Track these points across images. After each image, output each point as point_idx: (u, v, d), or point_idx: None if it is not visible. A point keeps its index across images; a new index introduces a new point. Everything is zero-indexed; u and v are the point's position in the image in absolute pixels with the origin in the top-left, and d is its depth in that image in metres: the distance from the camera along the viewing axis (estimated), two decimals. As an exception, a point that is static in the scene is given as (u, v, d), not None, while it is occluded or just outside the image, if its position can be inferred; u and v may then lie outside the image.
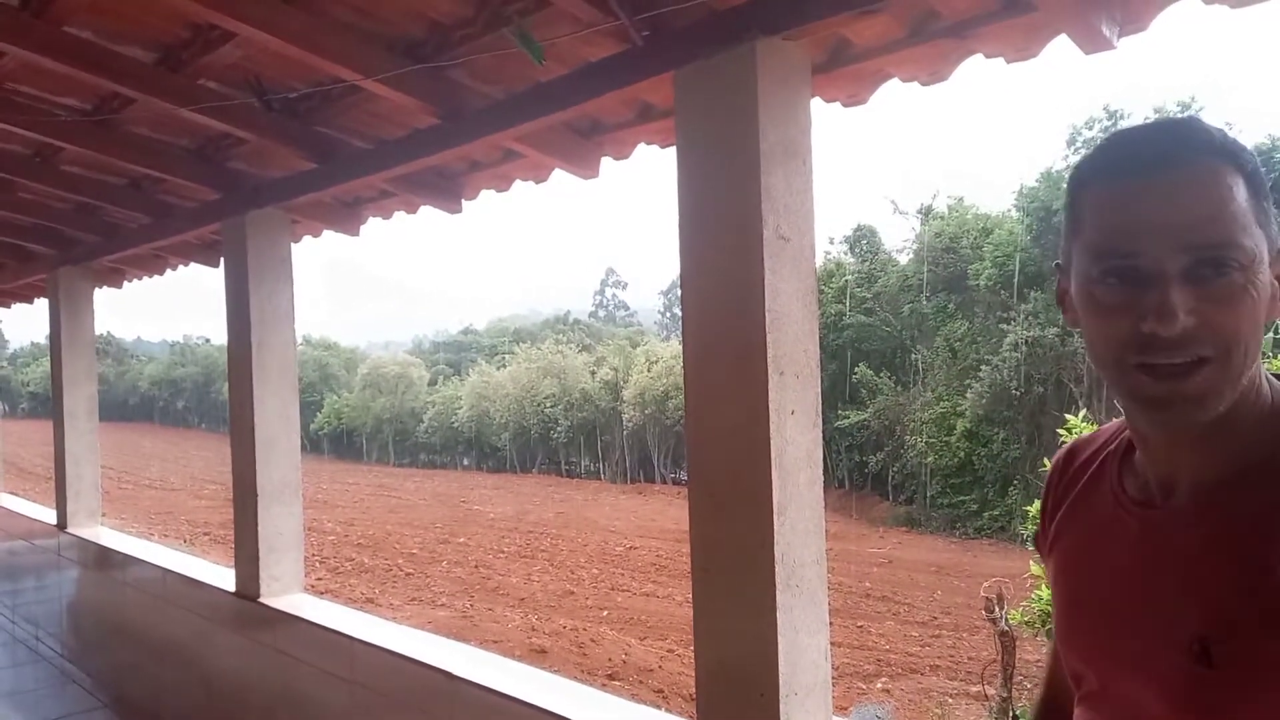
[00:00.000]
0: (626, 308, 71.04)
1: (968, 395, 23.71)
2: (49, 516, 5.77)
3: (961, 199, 28.48)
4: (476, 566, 15.98)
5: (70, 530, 5.42)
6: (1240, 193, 0.81)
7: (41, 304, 6.77)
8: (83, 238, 5.10)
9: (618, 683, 8.89)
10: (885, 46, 2.12)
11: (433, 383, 43.19)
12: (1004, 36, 1.99)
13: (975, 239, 25.70)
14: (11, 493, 7.25)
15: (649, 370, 32.93)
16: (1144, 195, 0.82)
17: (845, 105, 2.38)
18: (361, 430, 42.15)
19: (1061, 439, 4.88)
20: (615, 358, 36.13)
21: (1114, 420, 1.03)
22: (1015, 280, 23.76)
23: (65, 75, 2.91)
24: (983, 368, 23.51)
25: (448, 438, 39.19)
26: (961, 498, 23.44)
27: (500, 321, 58.55)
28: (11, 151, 3.96)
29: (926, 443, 24.59)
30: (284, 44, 2.41)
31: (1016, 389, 22.55)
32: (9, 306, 7.45)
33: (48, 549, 5.78)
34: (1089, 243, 0.85)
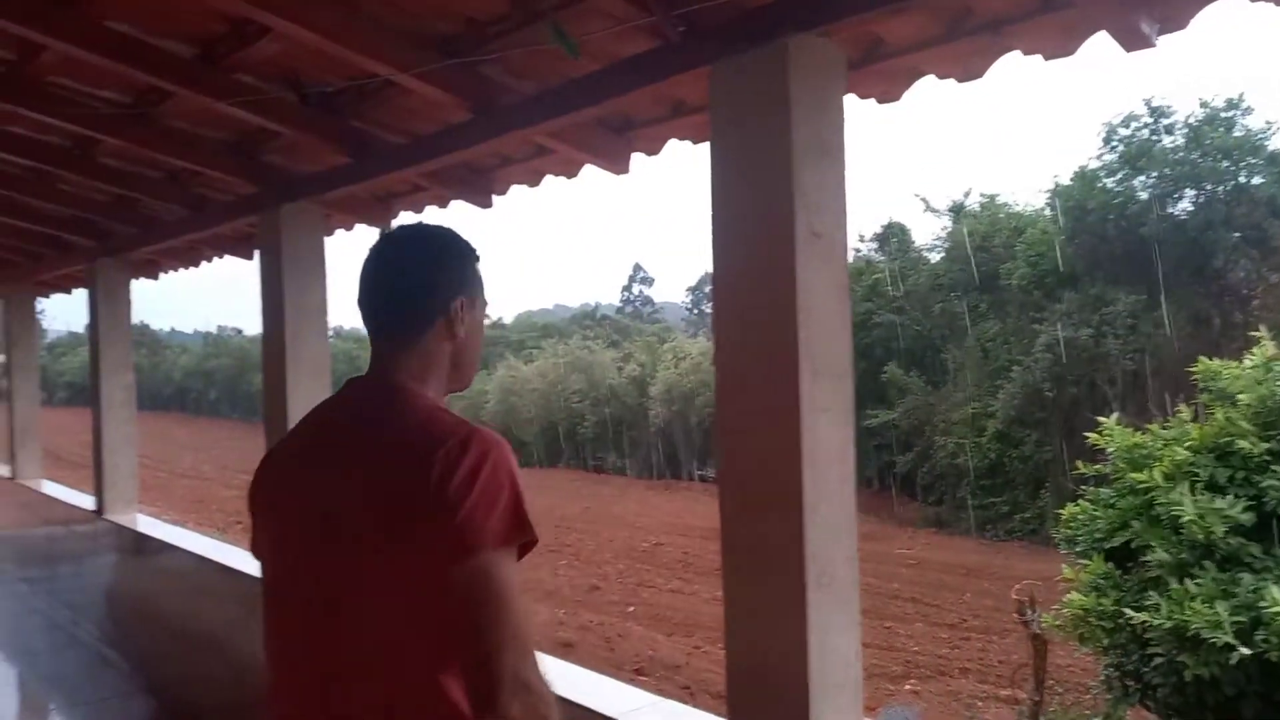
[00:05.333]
0: (653, 304, 70.96)
1: (999, 396, 23.41)
2: (87, 503, 5.88)
3: (994, 197, 28.13)
4: (503, 560, 16.05)
5: (108, 516, 5.52)
6: None
7: (79, 294, 6.91)
8: (120, 229, 5.19)
9: (644, 678, 8.90)
10: (920, 44, 2.10)
11: (461, 376, 43.44)
12: (1042, 34, 1.96)
13: (1008, 237, 25.36)
14: (50, 479, 7.40)
15: (676, 367, 32.85)
16: None
17: (879, 102, 2.36)
18: (390, 423, 42.49)
19: (1094, 442, 4.81)
20: (643, 354, 36.10)
21: (432, 403, 1.36)
22: (1048, 280, 23.43)
23: (105, 68, 2.96)
24: (1014, 368, 23.20)
25: (476, 430, 39.46)
26: (992, 499, 23.17)
27: (528, 316, 58.75)
28: (51, 144, 4.04)
29: (957, 443, 24.32)
30: (320, 39, 2.44)
31: (1049, 390, 22.24)
32: (48, 296, 7.61)
33: (86, 535, 5.89)
34: (484, 296, 1.47)
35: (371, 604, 1.25)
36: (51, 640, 5.98)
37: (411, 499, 1.22)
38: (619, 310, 65.31)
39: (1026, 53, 2.01)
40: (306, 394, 3.76)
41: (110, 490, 5.52)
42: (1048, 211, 24.97)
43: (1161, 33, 1.83)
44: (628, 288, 72.40)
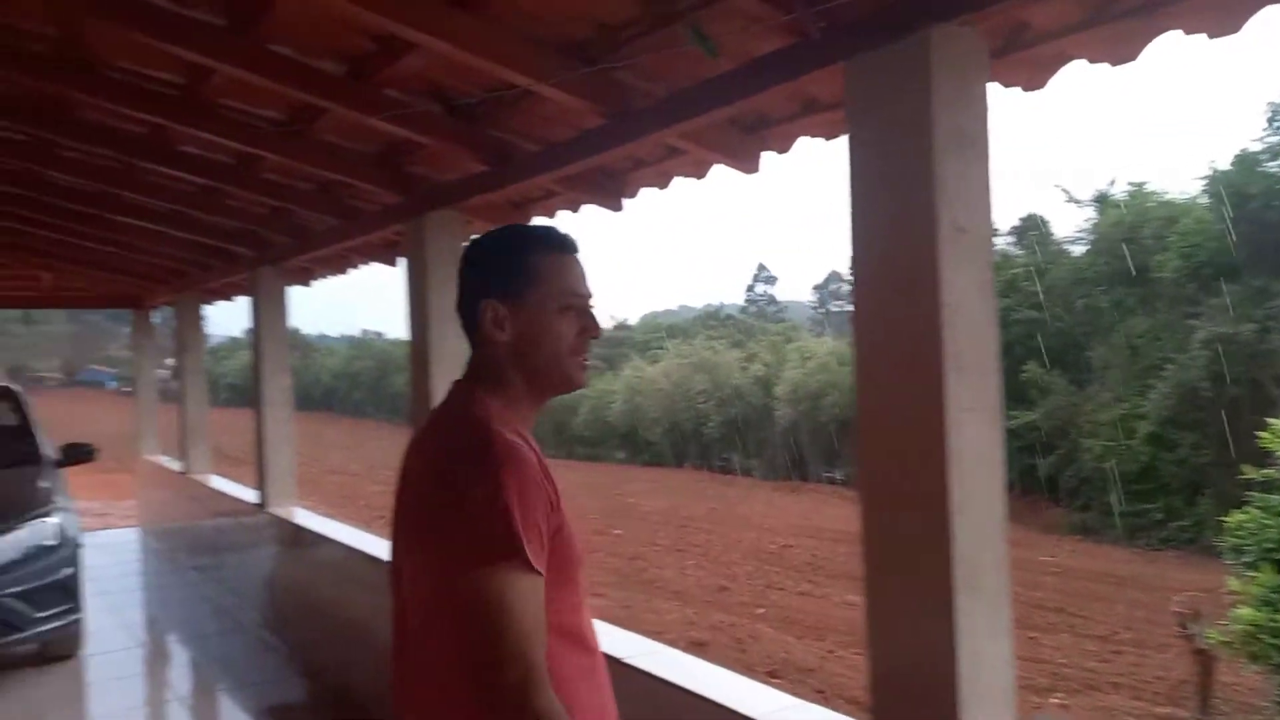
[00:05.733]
0: (777, 303, 70.16)
1: (1150, 396, 22.00)
2: (251, 496, 6.27)
3: (1142, 185, 26.45)
4: (632, 558, 16.22)
5: (269, 509, 5.88)
6: None
7: (240, 301, 7.41)
8: (278, 239, 5.53)
9: (778, 680, 8.82)
10: (1068, 28, 2.00)
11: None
12: (1204, 11, 1.84)
13: (1158, 228, 23.80)
14: (217, 474, 7.94)
15: (802, 366, 32.40)
16: (579, 264, 1.46)
17: (1024, 91, 2.27)
18: (521, 423, 43.57)
19: (1262, 443, 4.47)
20: (768, 354, 35.78)
21: (474, 411, 1.35)
22: (1204, 272, 21.86)
23: (266, 89, 3.16)
24: (1168, 366, 21.77)
25: (602, 431, 39.94)
26: (1144, 505, 21.80)
27: (653, 317, 59.18)
28: (220, 161, 4.35)
29: (1104, 446, 22.99)
30: (462, 52, 2.53)
31: (1207, 389, 20.75)
32: (213, 303, 8.18)
33: (249, 526, 6.30)
34: (553, 289, 1.41)
35: (414, 604, 1.33)
36: (219, 625, 6.44)
37: (424, 509, 1.30)
38: (743, 310, 64.86)
39: (1188, 32, 1.89)
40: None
41: (271, 485, 5.88)
42: (1203, 199, 23.28)
43: (1346, 2, 1.69)
44: (751, 287, 71.83)
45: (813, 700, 2.80)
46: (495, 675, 1.18)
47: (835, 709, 2.60)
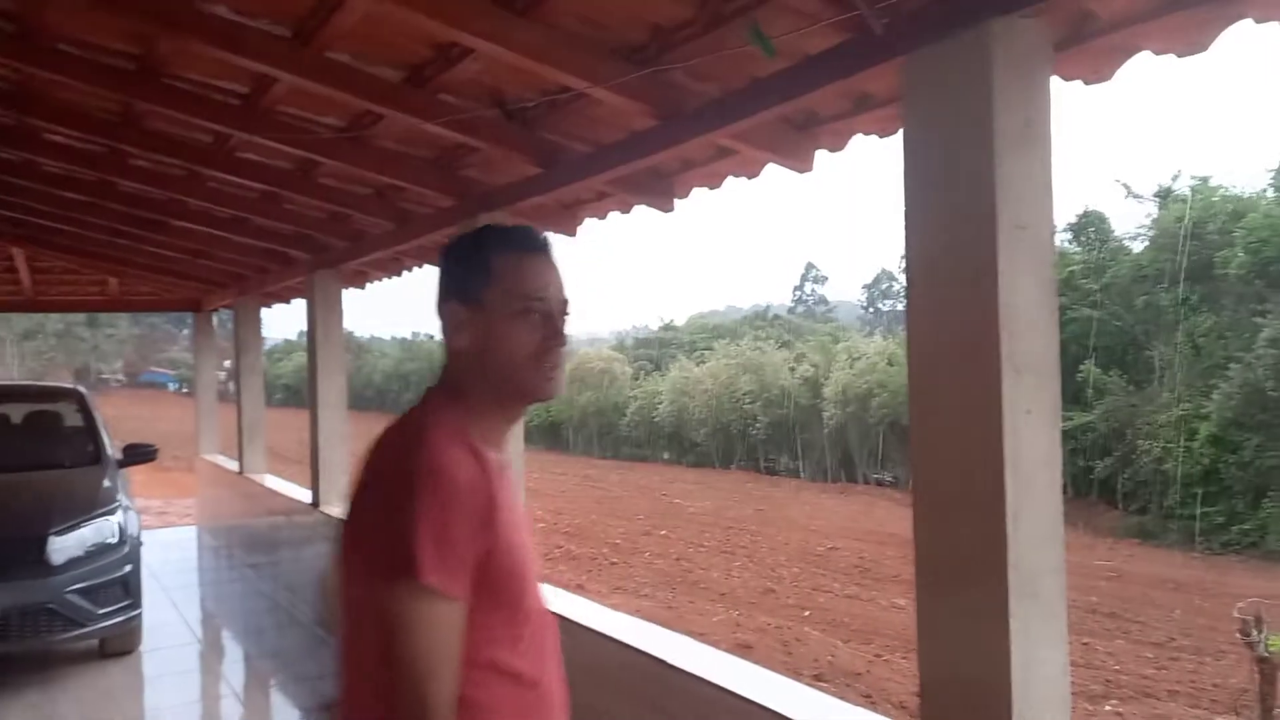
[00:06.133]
0: (826, 303, 69.58)
1: (1213, 396, 21.39)
2: (304, 496, 6.38)
3: (1207, 179, 25.70)
4: (677, 559, 16.21)
5: (323, 508, 5.99)
6: None
7: (297, 303, 7.56)
8: (334, 243, 5.64)
9: (824, 684, 8.74)
10: (1136, 17, 1.96)
11: (635, 378, 44.25)
12: (1281, -4, 1.79)
13: (1224, 223, 23.11)
14: (272, 473, 8.10)
15: (851, 367, 32.08)
16: (545, 264, 1.34)
17: (1087, 83, 2.22)
18: (568, 423, 43.86)
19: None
20: (815, 354, 35.50)
21: (421, 422, 1.29)
22: (1273, 268, 21.18)
23: (326, 96, 3.23)
24: (1232, 366, 21.13)
25: (649, 432, 39.99)
26: (1205, 509, 21.19)
27: (700, 318, 59.08)
28: (279, 168, 4.45)
29: (1164, 448, 22.41)
30: (518, 57, 2.56)
31: (1273, 390, 20.11)
32: (271, 306, 8.36)
33: (303, 525, 6.41)
34: (513, 292, 1.30)
35: (344, 610, 1.30)
36: (274, 620, 6.57)
37: (352, 517, 1.27)
38: (790, 310, 64.51)
39: (1259, 20, 1.84)
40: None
41: (324, 484, 5.97)
42: (1272, 193, 22.55)
43: None
44: (799, 287, 71.41)
45: (860, 704, 2.78)
46: (399, 697, 1.14)
47: (883, 714, 2.57)
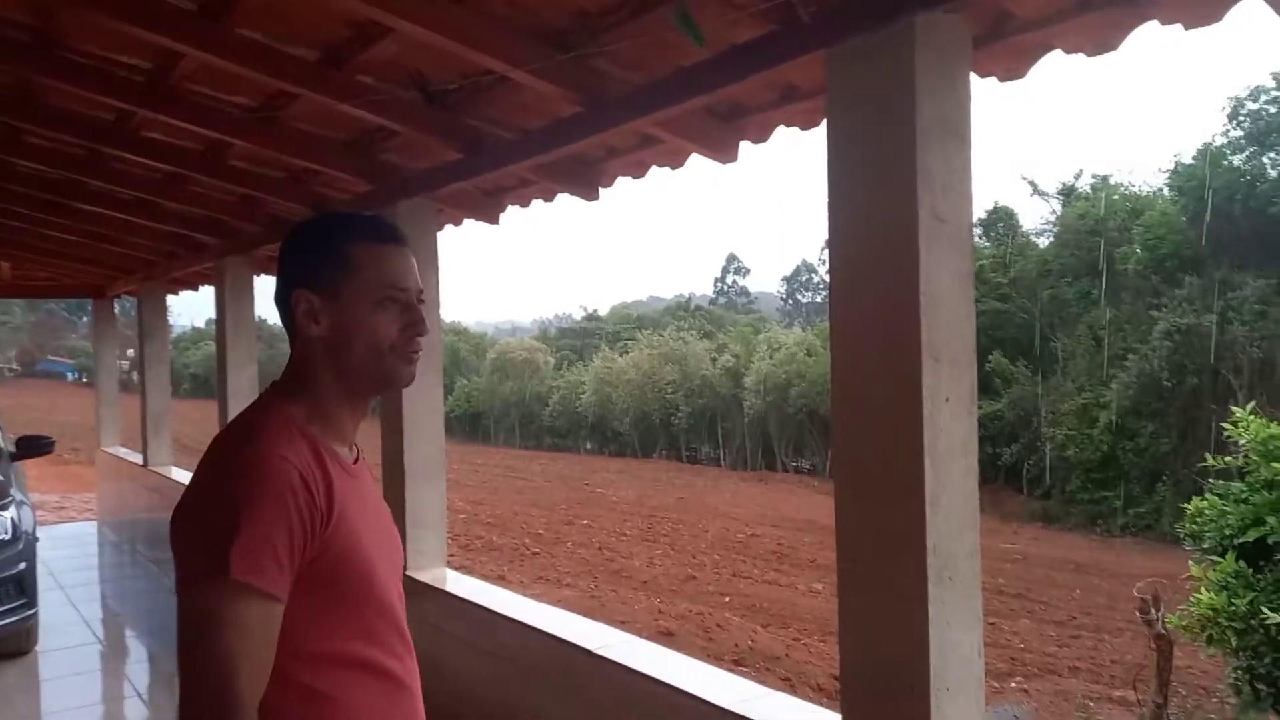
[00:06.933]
0: (748, 294, 70.46)
1: (1112, 386, 22.42)
2: (214, 488, 6.17)
3: (1107, 178, 26.88)
4: (600, 548, 16.24)
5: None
6: None
7: (203, 291, 7.29)
8: (246, 228, 5.44)
9: (744, 668, 8.87)
10: (1050, 17, 2.02)
11: (558, 368, 44.10)
12: (1185, 1, 1.86)
13: (1123, 220, 24.23)
14: (179, 466, 7.82)
15: (771, 357, 32.59)
16: (405, 256, 1.36)
17: (1001, 80, 2.28)
18: (489, 413, 43.47)
19: (1229, 435, 4.56)
20: (737, 344, 35.94)
21: (252, 419, 1.29)
22: (1168, 264, 22.28)
23: (237, 74, 3.10)
24: (1130, 357, 22.18)
25: (571, 422, 39.93)
26: (1103, 493, 22.24)
27: (623, 308, 59.17)
28: (186, 148, 4.26)
29: (1066, 435, 23.42)
30: (439, 38, 2.50)
31: (1168, 380, 21.17)
32: (178, 293, 8.05)
33: (214, 519, 6.19)
34: (369, 282, 1.31)
35: None
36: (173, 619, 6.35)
37: (174, 520, 1.23)
38: (713, 301, 65.09)
39: (1165, 22, 1.91)
40: (419, 385, 3.88)
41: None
42: (1167, 192, 23.71)
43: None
44: (721, 278, 72.16)
45: (779, 687, 2.83)
46: (184, 705, 1.11)
47: (801, 696, 2.62)
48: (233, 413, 5.69)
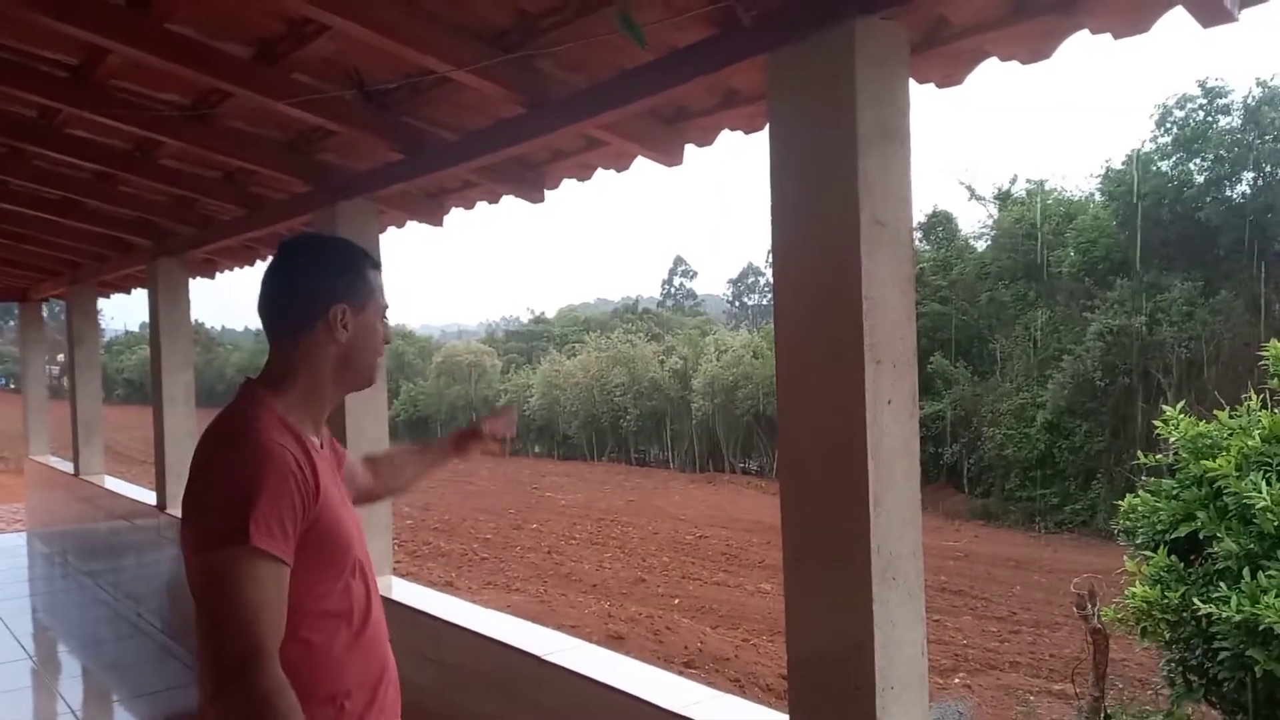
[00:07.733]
0: (695, 297, 70.80)
1: (1048, 386, 22.99)
2: (149, 498, 6.00)
3: (1042, 183, 27.57)
4: (549, 552, 16.15)
5: (170, 511, 5.63)
6: None
7: (137, 294, 7.07)
8: (179, 230, 5.29)
9: (694, 670, 8.89)
10: (986, 24, 2.05)
11: (505, 371, 43.76)
12: (1115, 10, 1.90)
13: (1057, 224, 24.86)
14: (112, 475, 7.58)
15: (718, 360, 32.75)
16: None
17: (939, 86, 2.31)
18: (436, 418, 42.94)
19: (1160, 433, 4.69)
20: (684, 347, 36.05)
21: (246, 411, 1.48)
22: (1100, 267, 22.92)
23: (166, 71, 3.00)
24: (1065, 358, 22.76)
25: (519, 425, 39.62)
26: (1041, 491, 22.78)
27: (570, 310, 58.95)
28: (114, 146, 4.12)
29: (1004, 434, 23.95)
30: (377, 36, 2.45)
31: (1101, 380, 21.78)
32: (109, 296, 7.79)
33: (148, 529, 6.02)
34: (378, 301, 1.63)
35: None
36: (116, 631, 6.15)
37: (186, 497, 1.42)
38: (660, 303, 65.28)
39: (1095, 31, 1.95)
40: (363, 391, 3.80)
41: (173, 485, 5.63)
42: (1099, 197, 24.41)
43: (1244, 6, 1.76)
44: (669, 280, 72.41)
45: (728, 689, 2.83)
46: (218, 650, 1.29)
47: (751, 697, 2.63)
48: (169, 419, 5.58)
